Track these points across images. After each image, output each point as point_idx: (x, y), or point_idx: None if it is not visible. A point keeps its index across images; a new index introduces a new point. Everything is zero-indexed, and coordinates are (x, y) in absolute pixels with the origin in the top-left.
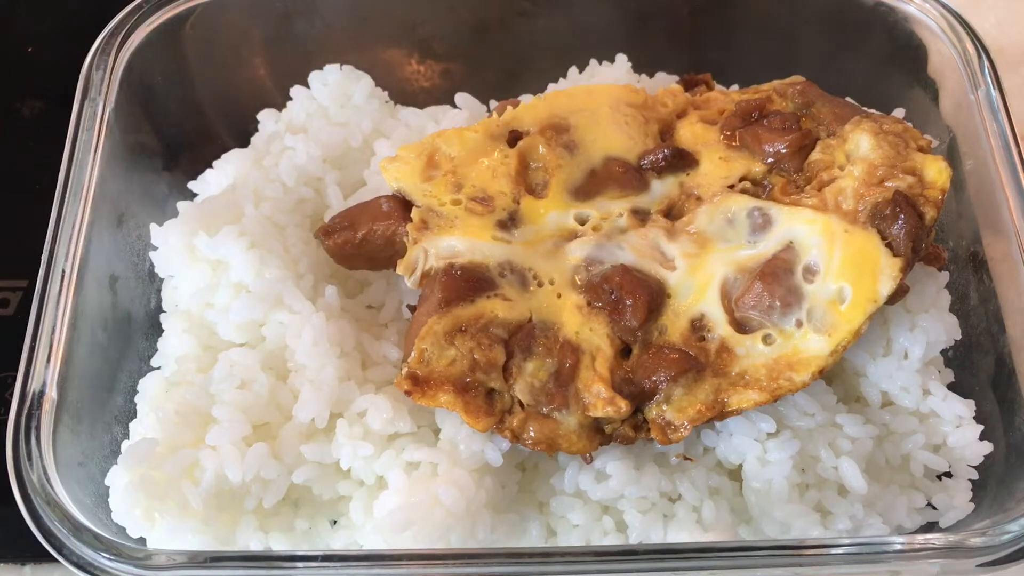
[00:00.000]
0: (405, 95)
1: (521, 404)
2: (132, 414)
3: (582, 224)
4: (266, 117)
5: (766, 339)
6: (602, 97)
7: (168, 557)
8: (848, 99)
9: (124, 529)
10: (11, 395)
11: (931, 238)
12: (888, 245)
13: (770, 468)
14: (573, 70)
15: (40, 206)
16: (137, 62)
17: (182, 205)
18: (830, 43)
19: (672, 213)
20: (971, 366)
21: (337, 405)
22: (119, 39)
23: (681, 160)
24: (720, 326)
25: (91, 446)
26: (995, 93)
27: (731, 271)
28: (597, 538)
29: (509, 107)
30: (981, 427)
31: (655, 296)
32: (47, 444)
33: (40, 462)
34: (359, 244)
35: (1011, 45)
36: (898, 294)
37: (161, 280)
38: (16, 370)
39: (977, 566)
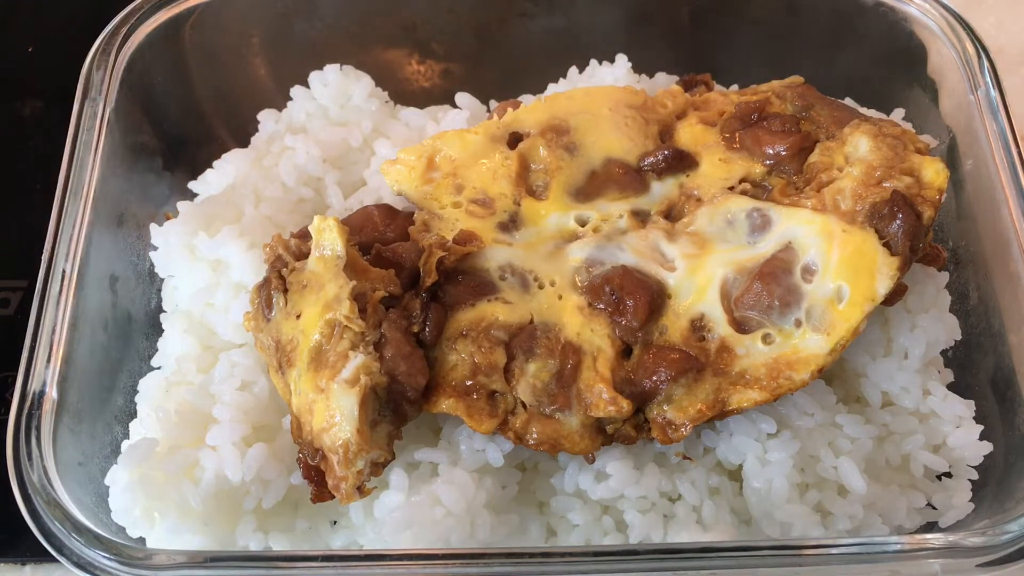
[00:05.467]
0: (405, 95)
1: (524, 405)
2: (132, 414)
3: (582, 225)
4: (266, 117)
5: (766, 338)
6: (602, 99)
7: (168, 557)
8: (847, 100)
9: (124, 529)
10: (11, 395)
11: (929, 238)
12: (886, 244)
13: (770, 468)
14: (573, 70)
15: (40, 206)
16: (137, 62)
17: (182, 205)
18: (830, 43)
19: (672, 214)
20: (971, 366)
21: None
22: (119, 39)
23: (681, 161)
24: (720, 326)
25: (91, 446)
26: (995, 93)
27: (731, 271)
28: (597, 538)
29: (509, 109)
30: (981, 427)
31: (656, 297)
32: (47, 444)
33: (40, 462)
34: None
35: (1011, 45)
36: (896, 294)
37: (161, 280)
38: (16, 370)
39: (977, 566)
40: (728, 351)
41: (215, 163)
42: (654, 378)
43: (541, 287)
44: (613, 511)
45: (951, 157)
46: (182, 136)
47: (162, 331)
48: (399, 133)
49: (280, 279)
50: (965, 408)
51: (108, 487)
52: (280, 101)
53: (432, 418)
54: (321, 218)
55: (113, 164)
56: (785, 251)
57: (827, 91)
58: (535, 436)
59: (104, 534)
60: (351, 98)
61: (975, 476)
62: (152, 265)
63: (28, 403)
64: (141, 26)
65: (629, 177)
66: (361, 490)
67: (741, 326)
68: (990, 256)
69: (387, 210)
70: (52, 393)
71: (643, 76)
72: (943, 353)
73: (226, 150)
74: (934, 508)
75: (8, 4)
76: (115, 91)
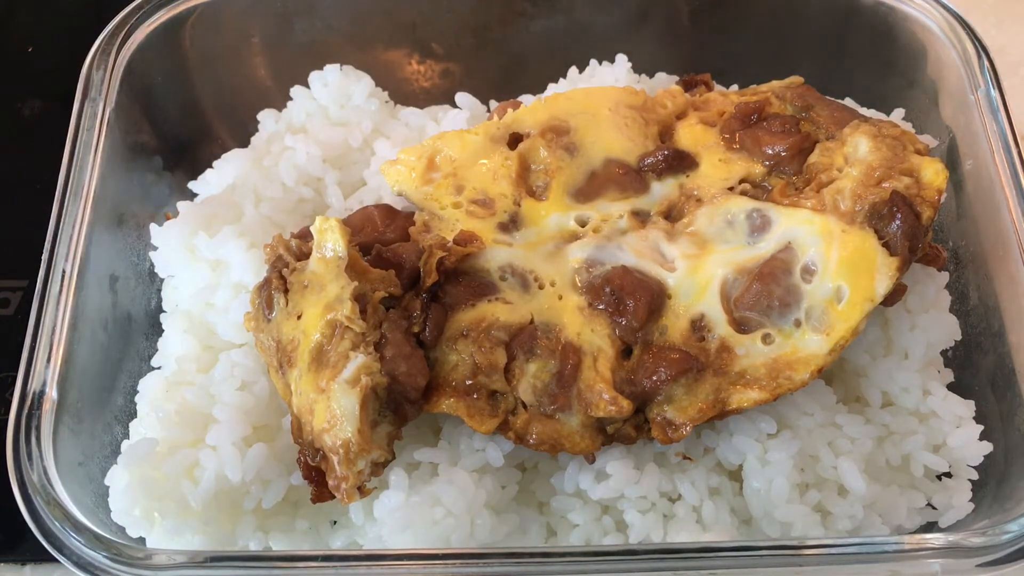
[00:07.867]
0: (405, 95)
1: (524, 405)
2: (132, 414)
3: (582, 226)
4: (266, 117)
5: (765, 339)
6: (602, 99)
7: (168, 557)
8: (847, 100)
9: (124, 529)
10: (11, 395)
11: (928, 238)
12: (885, 245)
13: (770, 468)
14: (573, 70)
15: (40, 206)
16: (137, 62)
17: (182, 205)
18: (830, 43)
19: (672, 215)
20: (971, 366)
21: None
22: (119, 39)
23: (681, 162)
24: (720, 326)
25: (91, 446)
26: (995, 93)
27: (731, 272)
28: (597, 538)
29: (509, 109)
30: (981, 427)
31: (656, 297)
32: (47, 444)
33: (40, 462)
34: None
35: (1011, 45)
36: (896, 294)
37: (161, 280)
38: (16, 370)
39: (977, 566)
40: (728, 351)
41: (215, 163)
42: (654, 378)
43: (541, 287)
44: (613, 511)
45: (951, 157)
46: (182, 136)
47: (162, 331)
48: (399, 133)
49: (281, 279)
50: (965, 408)
51: (108, 487)
52: (280, 101)
53: (432, 418)
54: (323, 219)
55: (113, 164)
56: (785, 251)
57: (827, 91)
58: (535, 436)
59: (104, 534)
60: (351, 98)
61: (975, 476)
62: (152, 265)
63: (28, 403)
64: (141, 26)
65: (629, 177)
66: (361, 490)
67: (741, 326)
68: (990, 256)
69: (387, 210)
70: (52, 393)
71: (643, 76)
72: (943, 353)
73: (226, 150)
74: (934, 508)
75: (8, 4)
76: (115, 91)
